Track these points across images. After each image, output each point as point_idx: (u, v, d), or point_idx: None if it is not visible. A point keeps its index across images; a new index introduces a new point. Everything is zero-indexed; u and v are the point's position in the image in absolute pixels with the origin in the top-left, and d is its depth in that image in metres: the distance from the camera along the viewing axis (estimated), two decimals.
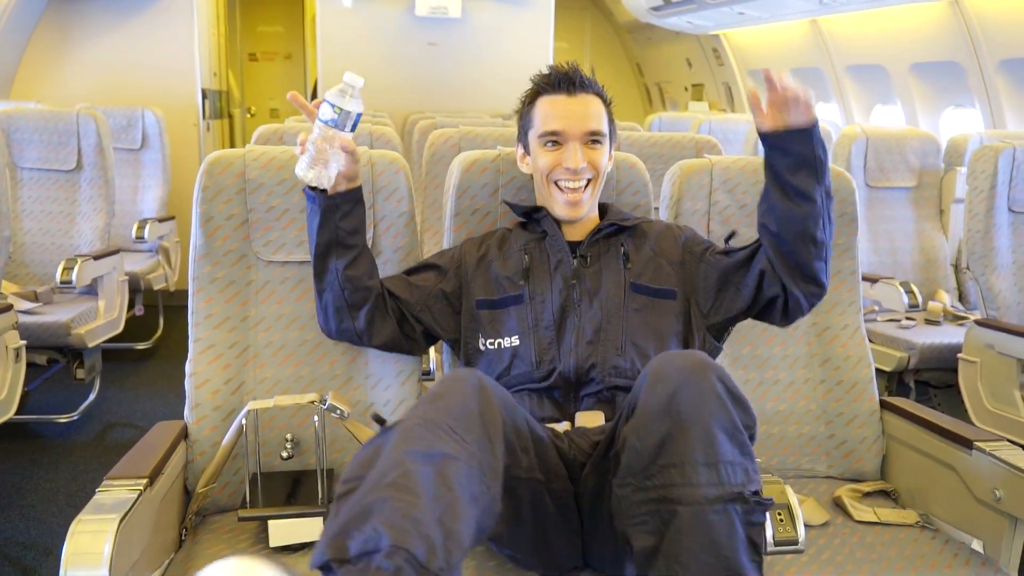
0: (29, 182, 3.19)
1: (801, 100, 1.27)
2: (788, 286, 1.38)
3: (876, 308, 2.89)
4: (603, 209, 1.58)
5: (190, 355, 1.52)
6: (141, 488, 1.19)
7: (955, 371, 2.42)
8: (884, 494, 1.63)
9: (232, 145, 6.35)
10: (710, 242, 1.53)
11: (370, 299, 1.45)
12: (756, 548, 1.05)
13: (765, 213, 1.38)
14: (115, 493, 1.17)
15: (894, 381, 2.73)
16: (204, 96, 4.65)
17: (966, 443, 1.45)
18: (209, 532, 1.42)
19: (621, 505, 1.09)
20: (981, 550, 1.42)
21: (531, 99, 1.52)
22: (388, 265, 1.58)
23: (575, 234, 1.52)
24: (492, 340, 1.45)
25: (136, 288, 3.46)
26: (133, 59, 4.44)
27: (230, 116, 6.32)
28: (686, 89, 7.29)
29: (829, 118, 4.98)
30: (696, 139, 2.52)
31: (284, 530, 1.35)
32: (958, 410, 2.41)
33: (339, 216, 1.40)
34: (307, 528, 1.36)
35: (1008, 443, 1.43)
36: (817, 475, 1.67)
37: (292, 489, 1.44)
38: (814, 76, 5.14)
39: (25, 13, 4.19)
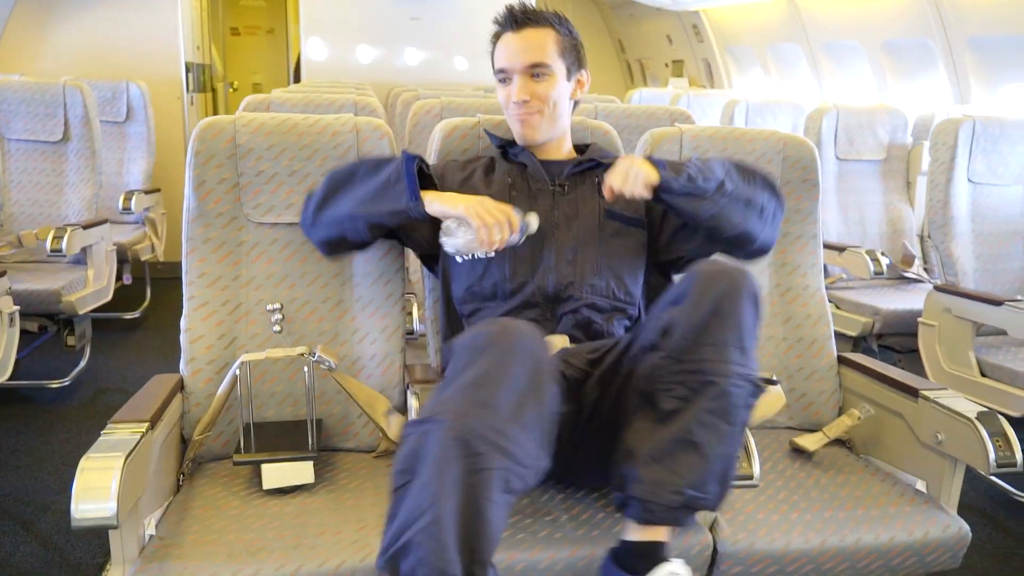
0: (16, 153, 3.22)
1: (627, 189, 1.39)
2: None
3: (844, 276, 3.00)
4: (585, 149, 1.67)
5: (184, 312, 1.59)
6: (143, 430, 1.26)
7: (916, 335, 2.53)
8: (839, 443, 1.73)
9: None
10: None
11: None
12: (746, 424, 1.27)
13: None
14: (119, 434, 1.24)
15: (860, 346, 2.84)
16: (188, 70, 4.66)
17: (913, 392, 1.56)
18: (205, 477, 1.50)
19: (658, 372, 1.24)
20: (924, 490, 1.53)
21: (494, 40, 1.59)
22: None
23: (550, 155, 1.60)
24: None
25: (123, 259, 3.50)
26: (116, 33, 4.44)
27: (213, 90, 6.32)
28: (667, 65, 7.36)
29: (805, 92, 5.08)
30: (670, 110, 2.59)
31: (276, 473, 1.44)
32: (919, 373, 2.51)
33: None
34: (298, 471, 1.45)
35: (951, 392, 1.54)
36: (778, 426, 1.78)
37: (283, 437, 1.52)
38: (791, 53, 5.22)
39: None
